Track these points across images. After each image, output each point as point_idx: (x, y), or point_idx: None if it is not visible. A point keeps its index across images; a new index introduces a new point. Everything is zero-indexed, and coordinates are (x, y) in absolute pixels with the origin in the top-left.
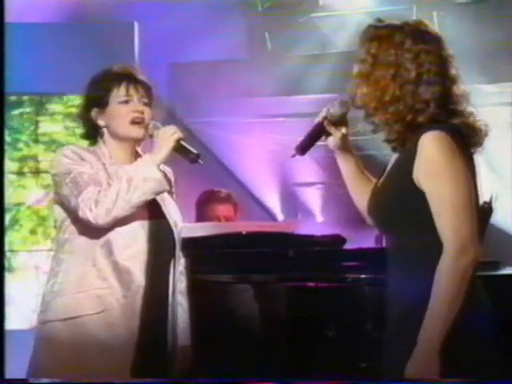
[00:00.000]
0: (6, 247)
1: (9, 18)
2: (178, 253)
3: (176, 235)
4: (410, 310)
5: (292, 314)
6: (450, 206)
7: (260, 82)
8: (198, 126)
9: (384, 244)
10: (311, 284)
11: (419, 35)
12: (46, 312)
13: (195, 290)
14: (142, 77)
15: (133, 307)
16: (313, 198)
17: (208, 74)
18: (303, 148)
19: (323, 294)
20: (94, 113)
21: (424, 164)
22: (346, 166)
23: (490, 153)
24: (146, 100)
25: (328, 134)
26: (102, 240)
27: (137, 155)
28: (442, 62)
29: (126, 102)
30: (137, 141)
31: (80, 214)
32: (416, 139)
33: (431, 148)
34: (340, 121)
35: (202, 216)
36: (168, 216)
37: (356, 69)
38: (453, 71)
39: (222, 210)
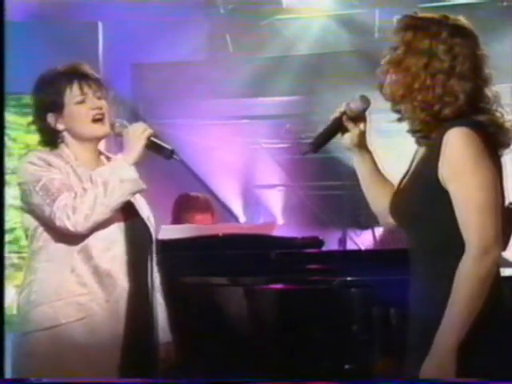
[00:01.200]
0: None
1: None
2: (154, 248)
3: (151, 230)
4: (434, 312)
5: (274, 315)
6: (474, 205)
7: (222, 83)
8: (160, 128)
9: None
10: (293, 286)
11: (456, 30)
12: (24, 323)
13: (175, 291)
14: (90, 71)
15: (117, 311)
16: (274, 200)
17: (170, 75)
18: (318, 144)
19: (304, 296)
20: (50, 118)
21: (448, 162)
22: (363, 165)
23: None
24: (100, 94)
25: (345, 131)
26: (80, 245)
27: (100, 153)
28: (476, 60)
29: (83, 101)
30: (101, 138)
31: (57, 222)
32: (441, 134)
33: (456, 145)
34: (359, 117)
35: (178, 222)
36: (141, 212)
37: (387, 56)
38: (486, 71)
39: (201, 219)
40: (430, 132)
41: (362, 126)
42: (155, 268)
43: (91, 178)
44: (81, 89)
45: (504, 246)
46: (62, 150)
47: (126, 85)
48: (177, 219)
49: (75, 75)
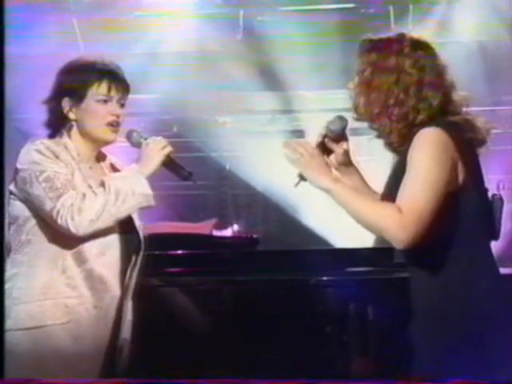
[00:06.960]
0: None
1: None
2: (139, 259)
3: (142, 240)
4: (439, 307)
5: (215, 313)
6: (416, 195)
7: None
8: (22, 125)
9: None
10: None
11: (416, 44)
12: (4, 320)
13: None
14: (123, 76)
15: (105, 318)
16: None
17: (28, 70)
18: None
19: (244, 295)
20: (65, 103)
21: (412, 151)
22: (351, 182)
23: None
24: (123, 102)
25: (329, 152)
26: (74, 247)
27: (99, 154)
28: (439, 69)
29: (105, 101)
30: (107, 144)
31: (59, 220)
32: (414, 134)
33: (422, 140)
34: (341, 136)
35: None
36: (135, 220)
37: (356, 80)
38: (449, 78)
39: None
40: (406, 140)
41: (344, 145)
42: (134, 277)
43: (104, 184)
44: (108, 89)
45: (497, 236)
46: (66, 143)
47: None
48: None
49: (108, 74)
